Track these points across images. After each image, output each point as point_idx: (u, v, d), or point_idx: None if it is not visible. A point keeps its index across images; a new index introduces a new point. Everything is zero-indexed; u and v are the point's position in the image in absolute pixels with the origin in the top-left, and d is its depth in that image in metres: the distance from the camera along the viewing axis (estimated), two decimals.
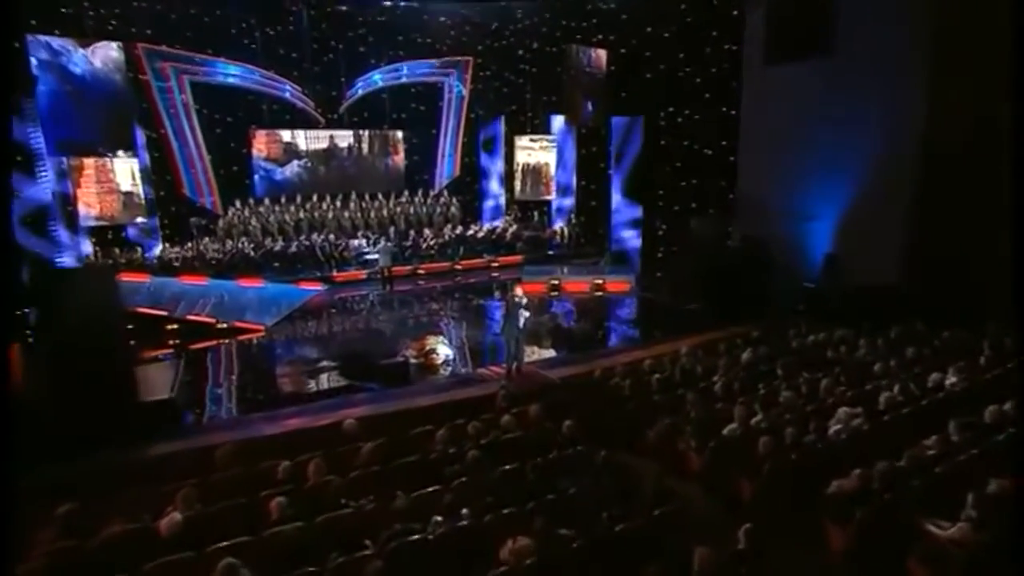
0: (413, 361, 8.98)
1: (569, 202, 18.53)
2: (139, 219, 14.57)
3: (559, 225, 18.18)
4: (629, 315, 12.26)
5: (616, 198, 16.44)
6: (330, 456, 5.59)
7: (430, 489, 5.00)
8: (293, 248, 15.06)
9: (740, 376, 7.51)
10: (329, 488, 5.01)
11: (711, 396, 7.02)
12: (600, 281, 13.74)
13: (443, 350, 9.40)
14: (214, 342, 10.68)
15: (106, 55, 12.83)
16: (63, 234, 12.54)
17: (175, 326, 10.74)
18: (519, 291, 7.55)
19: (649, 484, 5.21)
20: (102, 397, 6.03)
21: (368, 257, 15.10)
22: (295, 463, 5.38)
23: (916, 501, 4.26)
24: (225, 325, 10.97)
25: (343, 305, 13.08)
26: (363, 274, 14.75)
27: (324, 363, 9.45)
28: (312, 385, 8.65)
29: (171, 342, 10.46)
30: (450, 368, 8.81)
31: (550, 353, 9.66)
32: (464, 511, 4.62)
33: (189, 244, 14.83)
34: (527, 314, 7.46)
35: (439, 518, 4.54)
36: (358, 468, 5.45)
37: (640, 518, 4.54)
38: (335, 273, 14.72)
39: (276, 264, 14.54)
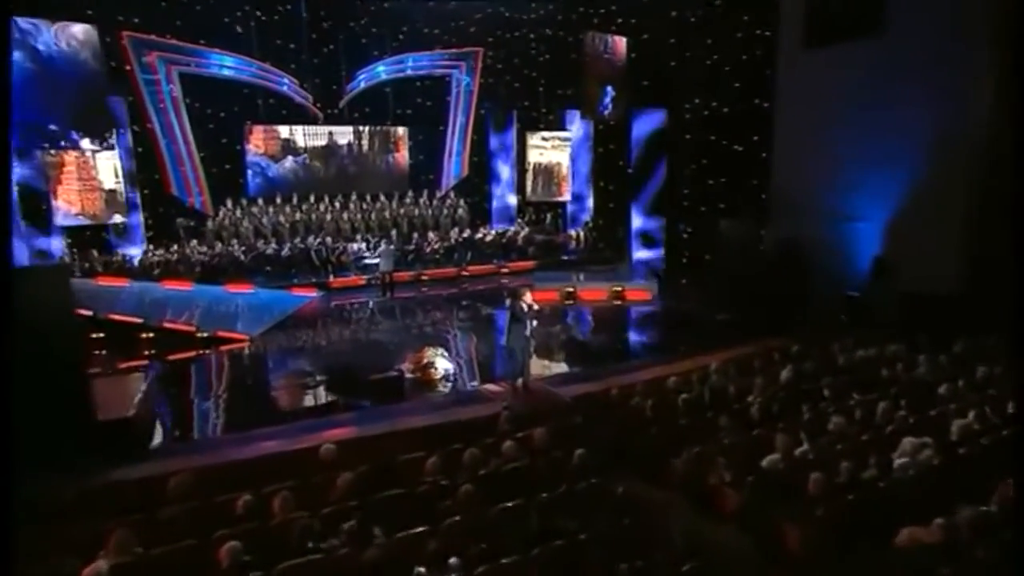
0: (409, 375, 8.52)
1: (584, 204, 18.48)
2: (118, 218, 14.12)
3: (574, 229, 18.05)
4: (651, 326, 11.84)
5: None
6: (301, 487, 4.94)
7: (415, 530, 4.33)
8: (286, 251, 14.73)
9: (780, 397, 6.87)
10: (295, 527, 4.34)
11: (747, 420, 6.42)
12: (619, 289, 13.38)
13: (443, 364, 8.98)
14: (193, 353, 10.23)
15: (75, 33, 12.49)
16: (27, 231, 12.25)
17: (150, 335, 10.12)
18: (528, 297, 7.13)
19: (676, 526, 4.57)
20: (49, 415, 5.39)
21: (367, 262, 14.78)
22: (259, 496, 4.75)
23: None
24: (206, 334, 10.39)
25: (339, 313, 12.79)
26: (362, 280, 14.49)
27: (311, 377, 9.01)
28: (294, 402, 8.22)
29: (145, 352, 9.91)
30: (450, 384, 8.40)
31: (562, 368, 9.28)
32: (453, 560, 3.93)
33: (174, 247, 14.38)
34: (534, 323, 7.11)
35: (422, 569, 3.85)
36: (333, 503, 4.78)
37: (666, 570, 3.93)
38: (332, 279, 14.43)
39: (268, 268, 14.24)
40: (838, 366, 7.87)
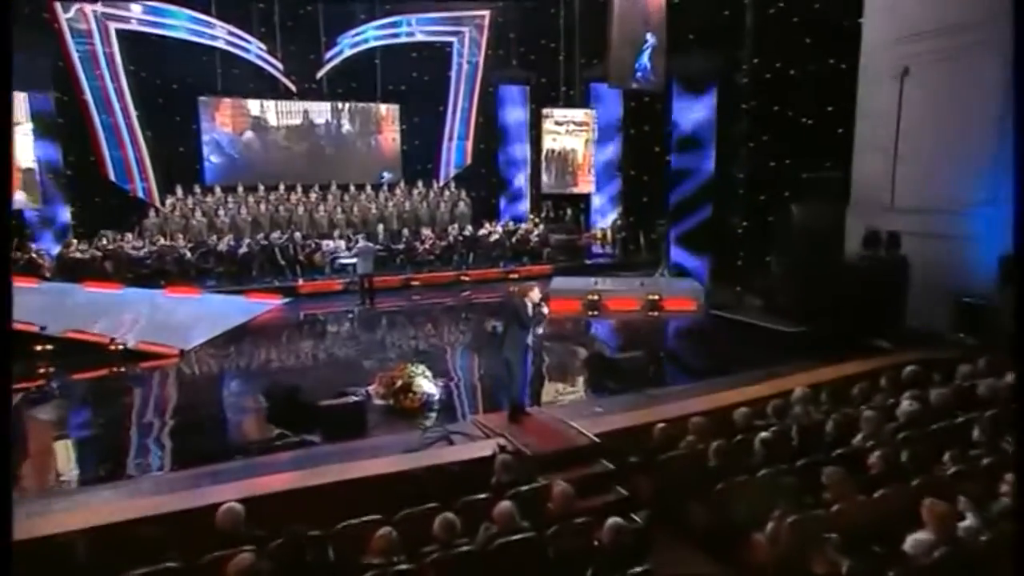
0: (378, 402, 7.43)
1: (612, 198, 17.83)
2: (22, 201, 12.95)
3: (600, 227, 17.57)
4: (701, 341, 10.94)
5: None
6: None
7: None
8: (244, 248, 13.89)
9: (907, 439, 5.46)
10: None
11: (864, 474, 4.99)
12: (655, 297, 12.58)
13: (425, 387, 7.58)
14: (105, 371, 9.10)
15: None
16: None
17: (48, 347, 8.76)
18: (534, 294, 6.27)
19: None
20: None
21: (342, 261, 14.14)
22: None
23: None
24: (122, 346, 8.97)
25: (306, 324, 12.07)
26: (339, 284, 13.77)
27: (246, 402, 7.91)
28: (211, 437, 7.07)
29: (42, 370, 8.79)
30: (433, 414, 7.29)
31: (584, 394, 8.40)
32: None
33: (104, 241, 13.20)
34: (541, 329, 6.39)
35: None
36: None
37: None
38: (300, 282, 13.76)
39: (219, 269, 13.51)
40: (977, 396, 6.31)
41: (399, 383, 7.56)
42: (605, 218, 17.70)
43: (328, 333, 11.70)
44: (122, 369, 9.23)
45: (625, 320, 11.88)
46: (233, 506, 4.41)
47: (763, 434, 5.63)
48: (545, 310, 6.20)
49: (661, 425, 6.07)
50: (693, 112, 14.46)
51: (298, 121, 16.77)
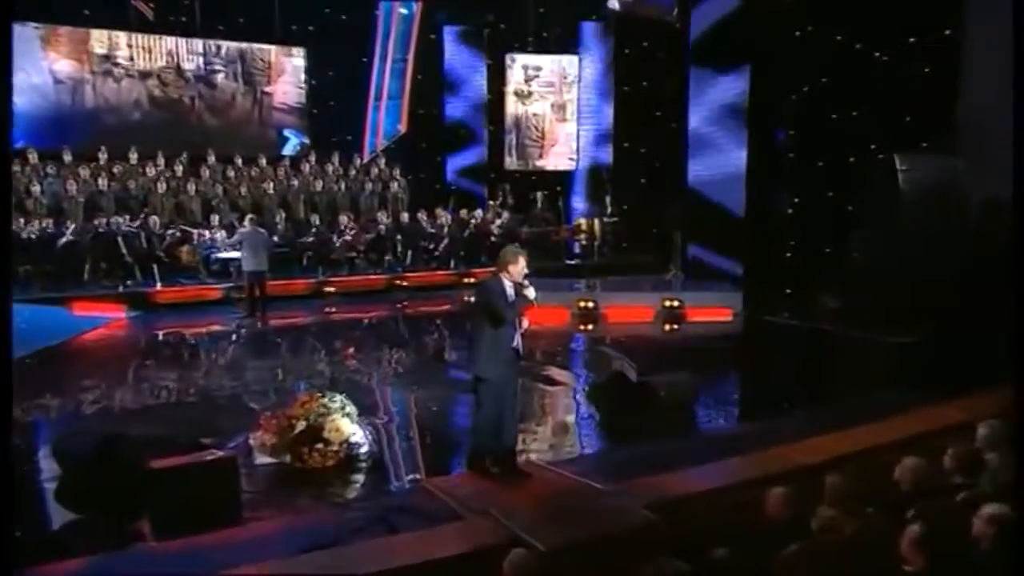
0: (263, 459, 6.12)
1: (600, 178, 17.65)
2: None
3: (584, 217, 17.11)
4: (761, 359, 10.52)
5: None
6: None
7: None
8: (69, 237, 12.81)
9: None
10: None
11: None
12: (675, 303, 12.40)
13: (345, 430, 6.26)
14: None
15: None
16: None
17: None
18: (518, 263, 5.56)
19: None
20: None
21: (222, 257, 13.43)
22: None
23: None
24: None
25: (163, 346, 11.42)
26: (216, 291, 13.17)
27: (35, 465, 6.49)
28: None
29: None
30: (359, 476, 6.24)
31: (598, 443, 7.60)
32: None
33: None
34: (525, 324, 5.70)
35: None
36: None
37: None
38: (157, 287, 12.98)
39: (27, 268, 12.49)
40: None
41: (301, 426, 6.07)
42: (591, 205, 17.67)
43: (196, 359, 11.09)
44: None
45: (636, 335, 11.30)
46: None
47: (991, 508, 3.78)
48: (531, 293, 5.53)
49: (777, 491, 4.55)
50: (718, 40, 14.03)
51: (160, 64, 15.92)
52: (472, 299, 6.17)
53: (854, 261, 10.47)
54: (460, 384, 8.92)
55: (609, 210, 16.76)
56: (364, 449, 6.18)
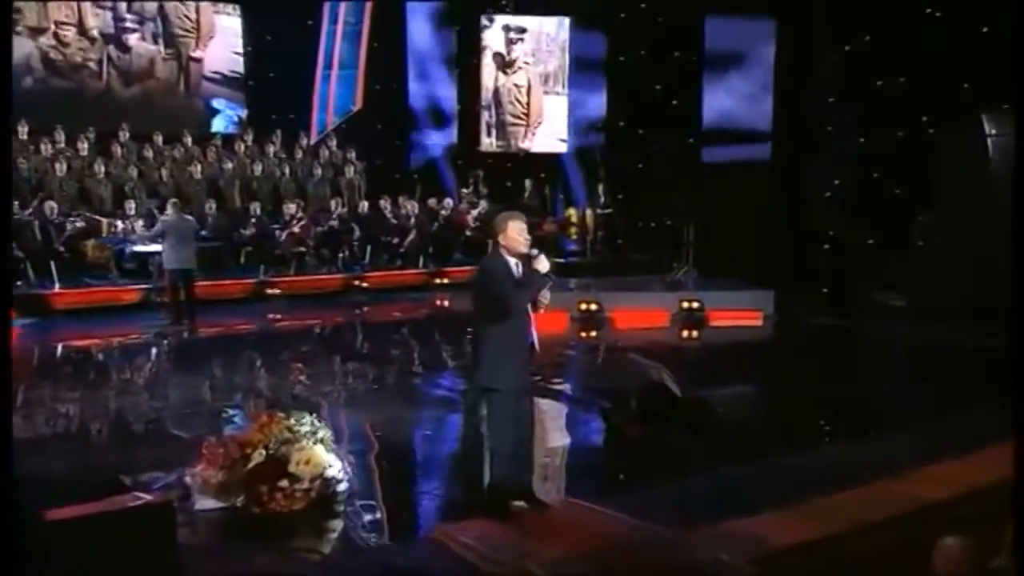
0: (204, 504, 5.47)
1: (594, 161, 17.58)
2: None
3: (576, 208, 17.21)
4: (827, 367, 10.32)
5: None
6: None
7: None
8: None
9: None
10: None
11: None
12: (693, 306, 12.36)
13: (321, 461, 5.64)
14: None
15: None
16: None
17: None
18: (516, 226, 5.12)
19: None
20: None
21: (138, 250, 13.10)
22: None
23: None
24: None
25: (62, 362, 11.12)
26: (133, 292, 12.89)
27: None
28: None
29: None
30: (342, 512, 5.71)
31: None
32: None
33: None
34: (546, 299, 5.23)
35: None
36: None
37: None
38: (56, 289, 12.69)
39: None
40: None
41: (258, 457, 5.39)
42: (583, 194, 17.61)
43: (106, 378, 10.61)
44: None
45: (655, 342, 11.06)
46: None
47: None
48: (544, 264, 5.10)
49: (950, 543, 3.86)
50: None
51: (57, 19, 15.34)
52: (471, 289, 5.75)
53: (924, 250, 10.42)
54: (441, 400, 8.99)
55: (603, 200, 16.56)
56: (343, 486, 5.49)
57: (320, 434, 5.45)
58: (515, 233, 5.04)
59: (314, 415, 5.91)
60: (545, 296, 5.15)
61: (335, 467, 5.40)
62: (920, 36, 12.17)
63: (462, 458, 7.13)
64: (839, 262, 13.02)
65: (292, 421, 5.43)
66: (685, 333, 11.75)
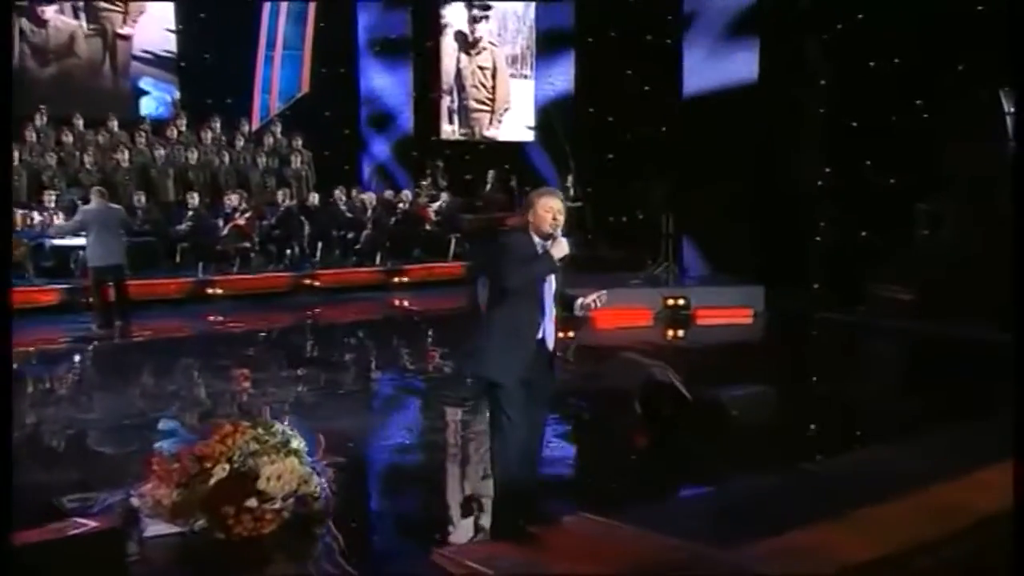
0: (155, 530, 5.09)
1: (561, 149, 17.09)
2: None
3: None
4: (841, 370, 10.18)
5: None
6: None
7: None
8: None
9: None
10: None
11: None
12: (679, 303, 12.44)
13: (294, 475, 5.26)
14: None
15: None
16: None
17: None
18: (550, 203, 4.90)
19: None
20: None
21: (57, 244, 13.03)
22: None
23: None
24: None
25: None
26: (52, 293, 12.71)
27: None
28: None
29: None
30: (322, 535, 5.33)
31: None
32: None
33: None
34: (586, 302, 4.98)
35: None
36: None
37: None
38: None
39: None
40: None
41: (221, 472, 4.99)
42: (553, 185, 16.49)
43: (21, 389, 10.02)
44: None
45: (643, 341, 10.90)
46: None
47: None
48: (561, 249, 4.85)
49: None
50: None
51: None
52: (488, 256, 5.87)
53: (935, 241, 10.39)
54: (409, 406, 8.89)
55: (572, 192, 16.13)
56: (320, 505, 5.14)
57: (293, 444, 5.04)
58: (543, 210, 4.82)
59: (285, 423, 5.54)
60: (597, 301, 4.94)
61: (312, 483, 4.98)
62: (914, 15, 12.00)
63: (459, 468, 7.06)
64: (835, 256, 12.90)
65: (260, 430, 5.02)
66: (672, 332, 11.72)
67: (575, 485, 6.59)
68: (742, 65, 14.05)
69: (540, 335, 4.84)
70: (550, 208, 4.78)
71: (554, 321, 4.96)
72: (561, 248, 4.70)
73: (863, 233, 12.93)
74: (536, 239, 4.77)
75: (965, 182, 10.31)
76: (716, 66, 14.16)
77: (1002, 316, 9.07)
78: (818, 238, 13.33)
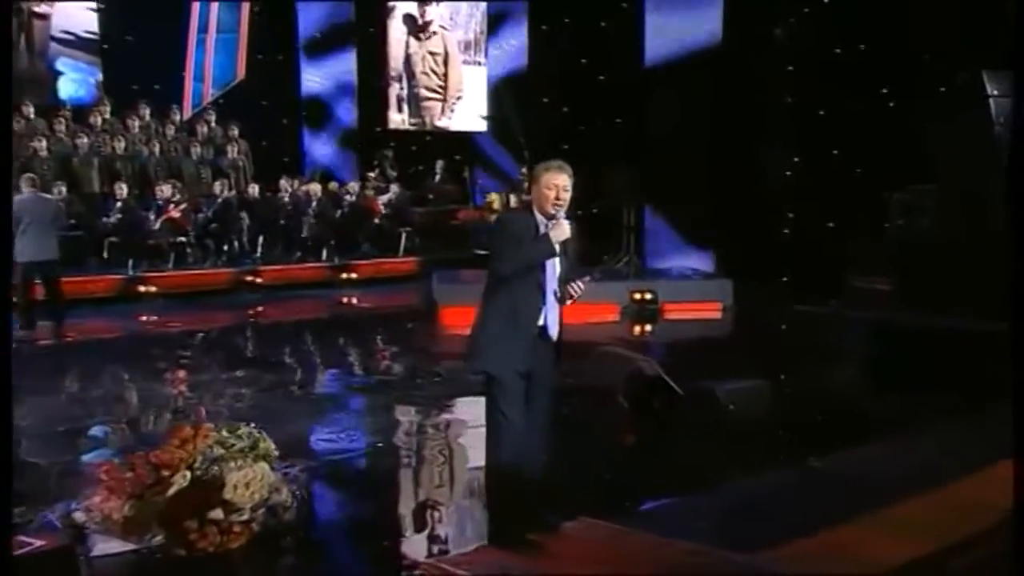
0: (107, 545, 4.81)
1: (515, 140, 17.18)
2: None
3: (497, 193, 17.40)
4: (830, 364, 10.14)
5: None
6: None
7: None
8: None
9: None
10: None
11: None
12: (646, 298, 12.53)
13: (263, 482, 4.95)
14: None
15: None
16: None
17: None
18: (556, 178, 4.75)
19: None
20: None
21: None
22: None
23: None
24: None
25: None
26: None
27: None
28: None
29: None
30: (295, 548, 5.13)
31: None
32: None
33: None
34: (575, 290, 4.83)
35: None
36: None
37: None
38: None
39: None
40: None
41: (181, 480, 4.73)
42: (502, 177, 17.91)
43: None
44: None
45: (617, 337, 10.83)
46: None
47: None
48: (561, 232, 4.67)
49: None
50: None
51: None
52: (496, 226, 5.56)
53: (913, 230, 10.41)
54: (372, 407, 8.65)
55: (527, 185, 15.93)
56: (291, 515, 4.89)
57: (261, 446, 4.74)
58: (545, 187, 4.62)
59: (253, 425, 5.21)
60: (576, 288, 4.74)
61: (283, 491, 4.69)
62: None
63: (448, 471, 6.90)
64: (804, 247, 12.94)
65: (225, 433, 4.74)
66: (639, 327, 11.72)
67: (570, 486, 6.43)
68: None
69: (542, 322, 4.66)
70: (553, 185, 4.56)
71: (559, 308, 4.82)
72: (562, 231, 4.51)
73: (830, 224, 12.95)
74: (539, 218, 4.58)
75: (944, 169, 10.35)
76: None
77: (983, 305, 8.90)
78: (786, 230, 13.31)
